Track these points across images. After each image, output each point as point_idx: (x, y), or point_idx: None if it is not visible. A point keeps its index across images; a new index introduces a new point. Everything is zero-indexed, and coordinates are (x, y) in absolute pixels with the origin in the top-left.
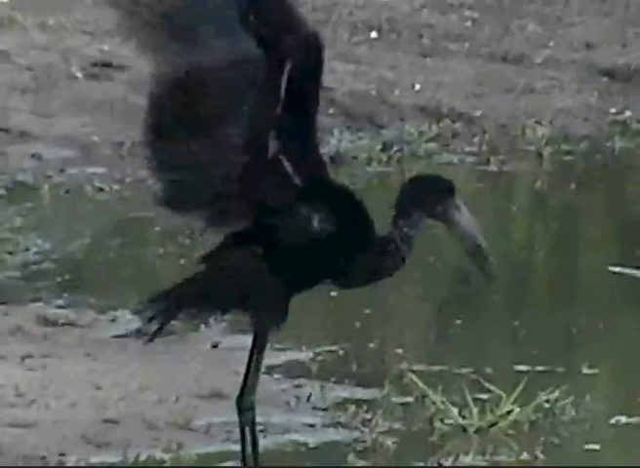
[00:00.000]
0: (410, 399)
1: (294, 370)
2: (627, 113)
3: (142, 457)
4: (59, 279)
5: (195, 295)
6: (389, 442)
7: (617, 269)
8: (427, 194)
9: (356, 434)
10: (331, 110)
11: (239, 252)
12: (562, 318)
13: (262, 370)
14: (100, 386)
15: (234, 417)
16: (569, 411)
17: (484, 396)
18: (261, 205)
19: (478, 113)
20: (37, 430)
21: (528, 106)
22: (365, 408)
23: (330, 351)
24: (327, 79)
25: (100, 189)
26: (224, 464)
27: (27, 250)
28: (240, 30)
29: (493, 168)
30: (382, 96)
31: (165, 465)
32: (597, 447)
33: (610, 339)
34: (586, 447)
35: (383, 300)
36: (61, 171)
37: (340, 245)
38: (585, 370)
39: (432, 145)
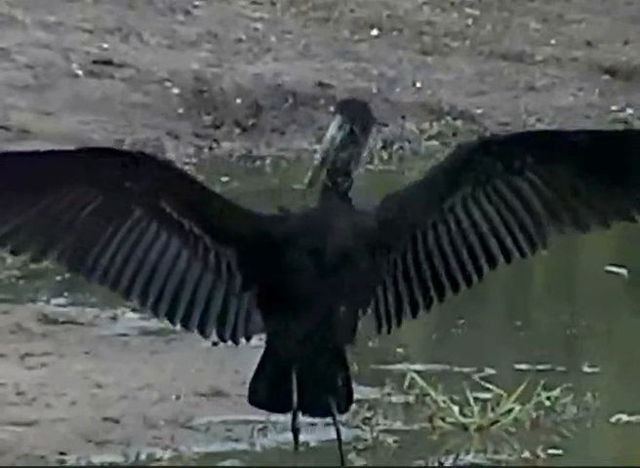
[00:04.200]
0: (411, 398)
1: None
2: (629, 111)
3: (143, 456)
4: (59, 277)
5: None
6: (390, 440)
7: (612, 269)
8: None
9: (357, 432)
10: (331, 108)
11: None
12: (563, 317)
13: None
14: (101, 384)
15: (234, 416)
16: (570, 410)
17: (485, 395)
18: None
19: (479, 111)
20: (37, 428)
21: (529, 104)
22: (366, 406)
23: None
24: (327, 76)
25: None
26: (225, 463)
27: None
28: None
29: None
30: (383, 93)
31: (165, 464)
32: (598, 445)
33: (611, 338)
34: (587, 445)
35: None
36: None
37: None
38: (586, 369)
39: (433, 143)
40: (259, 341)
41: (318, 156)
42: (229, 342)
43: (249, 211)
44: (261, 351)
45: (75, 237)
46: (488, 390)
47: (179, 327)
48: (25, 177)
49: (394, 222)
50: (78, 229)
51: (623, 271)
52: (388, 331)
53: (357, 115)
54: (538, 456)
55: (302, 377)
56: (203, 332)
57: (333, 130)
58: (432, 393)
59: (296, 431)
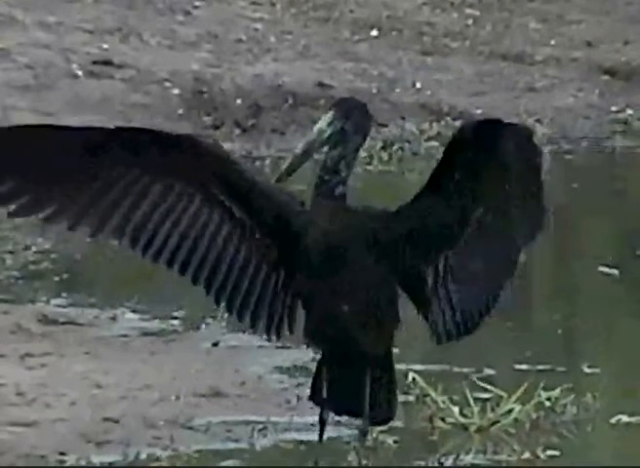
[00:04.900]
0: (411, 398)
1: (295, 369)
2: (628, 111)
3: (143, 456)
4: (57, 278)
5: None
6: (390, 440)
7: (605, 270)
8: None
9: (357, 432)
10: None
11: None
12: (562, 317)
13: (267, 369)
14: (101, 385)
15: (234, 416)
16: (570, 410)
17: (485, 395)
18: None
19: (479, 111)
20: (37, 429)
21: (528, 105)
22: None
23: None
24: (327, 77)
25: None
26: (224, 463)
27: (28, 248)
28: None
29: None
30: (383, 94)
31: (165, 464)
32: (598, 446)
33: (610, 338)
34: (587, 445)
35: None
36: None
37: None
38: (586, 370)
39: (433, 144)
40: (258, 341)
41: (300, 146)
42: (273, 336)
43: (287, 204)
44: (261, 352)
45: (134, 217)
46: (488, 390)
47: (228, 316)
48: (69, 152)
49: (412, 228)
50: (136, 211)
51: (615, 272)
52: (448, 340)
53: (351, 114)
54: (537, 457)
55: (332, 374)
56: (254, 325)
57: (322, 123)
58: (432, 393)
59: (323, 422)
